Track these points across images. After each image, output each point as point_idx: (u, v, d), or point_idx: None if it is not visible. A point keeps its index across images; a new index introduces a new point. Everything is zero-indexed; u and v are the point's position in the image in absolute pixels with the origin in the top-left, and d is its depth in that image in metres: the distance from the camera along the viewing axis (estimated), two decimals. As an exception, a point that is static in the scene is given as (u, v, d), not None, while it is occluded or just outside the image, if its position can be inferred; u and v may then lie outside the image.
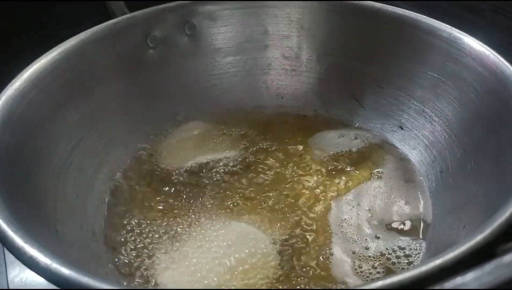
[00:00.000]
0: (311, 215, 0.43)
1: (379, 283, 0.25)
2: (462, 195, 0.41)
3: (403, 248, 0.40)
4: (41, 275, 0.27)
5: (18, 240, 0.28)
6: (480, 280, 0.23)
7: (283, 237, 0.41)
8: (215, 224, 0.42)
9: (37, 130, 0.40)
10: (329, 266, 0.38)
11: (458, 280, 0.23)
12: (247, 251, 0.38)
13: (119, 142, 0.49)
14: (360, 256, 0.39)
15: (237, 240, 0.39)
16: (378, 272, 0.38)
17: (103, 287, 0.25)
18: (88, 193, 0.44)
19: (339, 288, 0.36)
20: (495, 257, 0.24)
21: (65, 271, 0.26)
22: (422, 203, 0.44)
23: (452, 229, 0.39)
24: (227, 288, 0.36)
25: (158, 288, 0.37)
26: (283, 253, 0.39)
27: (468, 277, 0.23)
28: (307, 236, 0.41)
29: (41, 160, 0.40)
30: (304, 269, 0.38)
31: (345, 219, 0.43)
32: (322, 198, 0.45)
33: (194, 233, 0.41)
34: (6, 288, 0.40)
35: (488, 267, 0.24)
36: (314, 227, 0.42)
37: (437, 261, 0.25)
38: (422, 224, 0.42)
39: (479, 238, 0.27)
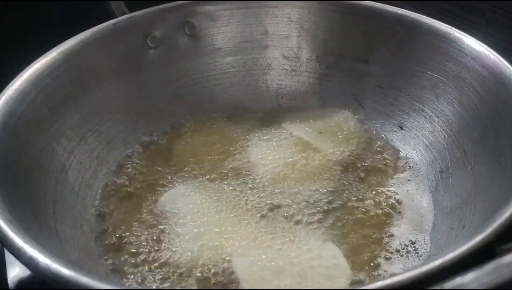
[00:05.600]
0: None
1: (379, 283, 0.25)
2: (462, 195, 0.41)
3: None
4: (41, 275, 0.27)
5: (18, 240, 0.28)
6: (480, 280, 0.23)
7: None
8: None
9: (37, 130, 0.41)
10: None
11: (458, 280, 0.23)
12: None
13: (119, 142, 0.50)
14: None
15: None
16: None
17: (103, 287, 0.25)
18: (88, 193, 0.44)
19: (337, 288, 0.36)
20: (495, 257, 0.24)
21: (65, 271, 0.26)
22: (422, 203, 0.44)
23: (452, 229, 0.39)
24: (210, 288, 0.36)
25: (157, 288, 0.37)
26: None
27: (468, 277, 0.23)
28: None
29: (41, 160, 0.40)
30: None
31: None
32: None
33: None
34: (6, 288, 0.40)
35: (488, 267, 0.24)
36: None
37: (437, 261, 0.25)
38: (422, 225, 0.42)
39: (479, 238, 0.27)
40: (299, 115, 0.55)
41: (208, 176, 0.47)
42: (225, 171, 0.48)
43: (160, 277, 0.38)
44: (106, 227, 0.42)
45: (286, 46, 0.58)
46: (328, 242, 0.40)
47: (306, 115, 0.55)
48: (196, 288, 0.37)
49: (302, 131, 0.52)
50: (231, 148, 0.51)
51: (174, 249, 0.39)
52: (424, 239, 0.41)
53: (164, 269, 0.38)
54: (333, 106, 0.55)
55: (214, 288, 0.37)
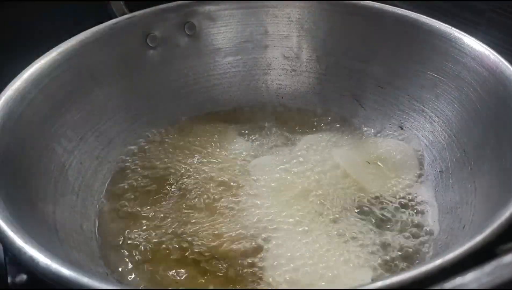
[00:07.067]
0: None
1: (379, 283, 0.25)
2: (462, 195, 0.41)
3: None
4: (41, 275, 0.27)
5: (18, 240, 0.28)
6: (480, 280, 0.23)
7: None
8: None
9: (37, 130, 0.41)
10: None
11: (458, 280, 0.23)
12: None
13: (119, 142, 0.50)
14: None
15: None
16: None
17: (103, 287, 0.25)
18: (88, 193, 0.44)
19: (335, 288, 0.36)
20: (495, 257, 0.24)
21: (65, 271, 0.26)
22: (422, 203, 0.44)
23: (452, 229, 0.39)
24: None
25: (159, 288, 0.37)
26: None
27: (468, 277, 0.23)
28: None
29: (41, 160, 0.40)
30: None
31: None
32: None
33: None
34: (6, 288, 0.40)
35: (488, 267, 0.24)
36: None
37: (437, 261, 0.25)
38: (422, 225, 0.42)
39: (479, 238, 0.27)
40: (352, 141, 0.51)
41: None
42: (227, 170, 0.48)
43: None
44: (106, 227, 0.42)
45: (286, 46, 0.58)
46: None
47: (361, 142, 0.51)
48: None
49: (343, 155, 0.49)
50: (232, 149, 0.51)
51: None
52: (424, 239, 0.41)
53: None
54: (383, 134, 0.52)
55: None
